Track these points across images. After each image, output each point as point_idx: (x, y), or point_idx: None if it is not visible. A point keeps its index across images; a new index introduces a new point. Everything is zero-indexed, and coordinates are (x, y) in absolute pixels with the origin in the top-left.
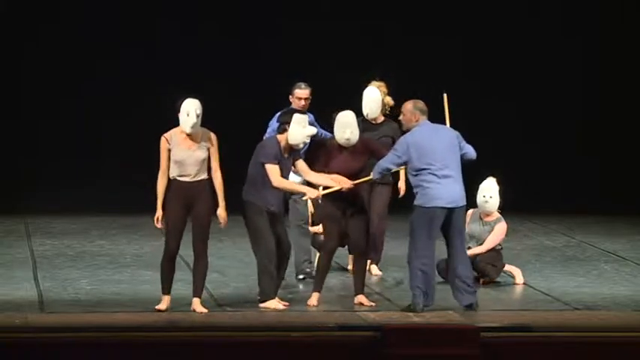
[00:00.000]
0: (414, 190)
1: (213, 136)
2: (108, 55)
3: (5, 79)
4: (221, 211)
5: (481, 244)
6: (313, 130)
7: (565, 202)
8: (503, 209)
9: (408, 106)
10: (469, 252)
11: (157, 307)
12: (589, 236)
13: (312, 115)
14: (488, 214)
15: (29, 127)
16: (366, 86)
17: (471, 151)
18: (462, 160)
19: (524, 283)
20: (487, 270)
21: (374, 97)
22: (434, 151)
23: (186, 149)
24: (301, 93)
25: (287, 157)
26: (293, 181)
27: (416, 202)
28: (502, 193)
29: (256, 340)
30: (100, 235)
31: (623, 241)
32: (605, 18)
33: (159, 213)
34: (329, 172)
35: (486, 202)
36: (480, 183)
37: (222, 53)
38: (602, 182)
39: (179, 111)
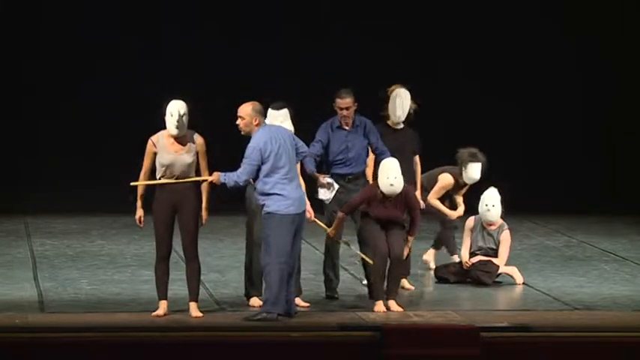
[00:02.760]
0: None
1: (200, 139)
2: (108, 55)
3: (5, 79)
4: (203, 212)
5: (486, 253)
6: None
7: (565, 202)
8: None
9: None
10: (485, 259)
11: (153, 313)
12: (589, 236)
13: (368, 123)
14: (490, 224)
15: (29, 127)
16: (387, 90)
17: None
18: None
19: (524, 283)
20: (480, 277)
21: (408, 97)
22: None
23: (172, 153)
24: (341, 102)
25: None
26: None
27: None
28: (503, 195)
29: (256, 340)
30: (100, 235)
31: (623, 241)
32: (605, 17)
33: (139, 213)
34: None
35: (488, 210)
36: (484, 189)
37: (222, 54)
38: (602, 182)
39: (164, 114)
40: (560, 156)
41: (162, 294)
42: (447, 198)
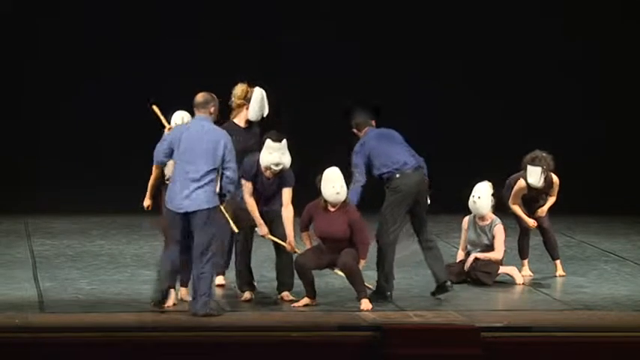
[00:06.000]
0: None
1: None
2: (109, 55)
3: (6, 79)
4: None
5: (481, 249)
6: (275, 159)
7: (565, 202)
8: (502, 209)
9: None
10: (481, 255)
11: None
12: (589, 236)
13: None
14: (481, 218)
15: (29, 127)
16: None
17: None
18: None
19: (523, 283)
20: (481, 277)
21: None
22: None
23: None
24: None
25: (269, 179)
26: (255, 209)
27: None
28: (497, 195)
29: (256, 340)
30: (100, 235)
31: (623, 241)
32: (605, 19)
33: (147, 202)
34: (316, 234)
35: (474, 202)
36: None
37: (223, 54)
38: (602, 182)
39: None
40: (560, 156)
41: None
42: (540, 200)
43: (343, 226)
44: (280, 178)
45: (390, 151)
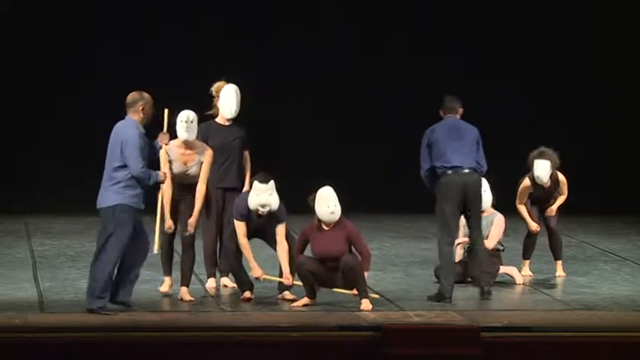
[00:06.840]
0: None
1: (208, 152)
2: (109, 55)
3: (6, 79)
4: (191, 220)
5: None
6: (262, 201)
7: (565, 202)
8: (502, 209)
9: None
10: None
11: (161, 289)
12: (589, 236)
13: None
14: (482, 212)
15: (29, 127)
16: (214, 86)
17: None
18: None
19: (523, 283)
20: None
21: (239, 95)
22: None
23: (182, 165)
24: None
25: (260, 217)
26: (249, 251)
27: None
28: (494, 192)
29: (256, 340)
30: None
31: (623, 241)
32: (605, 14)
33: (169, 223)
34: (315, 255)
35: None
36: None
37: (223, 54)
38: (603, 182)
39: (176, 123)
40: (561, 156)
41: (167, 272)
42: (550, 200)
43: (341, 243)
44: (272, 215)
45: (449, 149)
